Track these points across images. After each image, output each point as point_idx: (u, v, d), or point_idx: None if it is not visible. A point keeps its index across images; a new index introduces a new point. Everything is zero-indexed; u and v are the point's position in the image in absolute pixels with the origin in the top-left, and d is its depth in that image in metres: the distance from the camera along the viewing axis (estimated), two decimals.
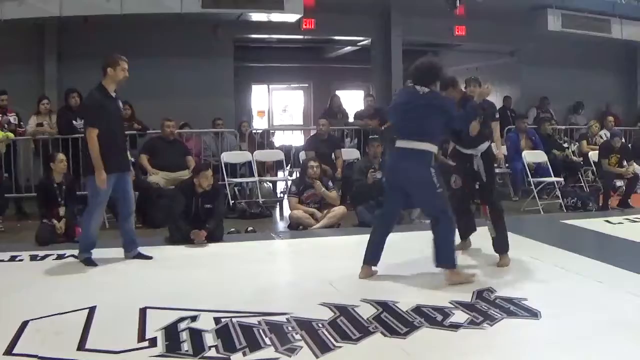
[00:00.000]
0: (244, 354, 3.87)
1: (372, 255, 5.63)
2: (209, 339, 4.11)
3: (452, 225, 5.49)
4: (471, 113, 5.69)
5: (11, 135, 9.17)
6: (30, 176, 9.44)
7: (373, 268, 5.64)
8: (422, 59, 5.72)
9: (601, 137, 11.41)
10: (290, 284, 5.90)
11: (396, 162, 5.56)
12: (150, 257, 6.42)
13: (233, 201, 9.70)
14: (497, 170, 10.31)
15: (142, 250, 6.47)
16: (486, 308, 4.71)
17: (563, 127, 12.90)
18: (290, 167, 11.33)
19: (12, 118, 9.44)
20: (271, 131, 13.67)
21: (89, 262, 6.15)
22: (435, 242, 5.43)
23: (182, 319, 4.45)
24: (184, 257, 6.60)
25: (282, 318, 4.49)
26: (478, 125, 5.92)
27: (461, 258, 6.01)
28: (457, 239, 6.34)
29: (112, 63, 6.06)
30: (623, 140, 10.49)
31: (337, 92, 18.50)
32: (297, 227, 8.22)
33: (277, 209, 10.16)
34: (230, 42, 12.65)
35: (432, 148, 5.37)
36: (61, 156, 7.64)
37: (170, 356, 3.88)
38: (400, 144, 5.43)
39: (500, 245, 6.12)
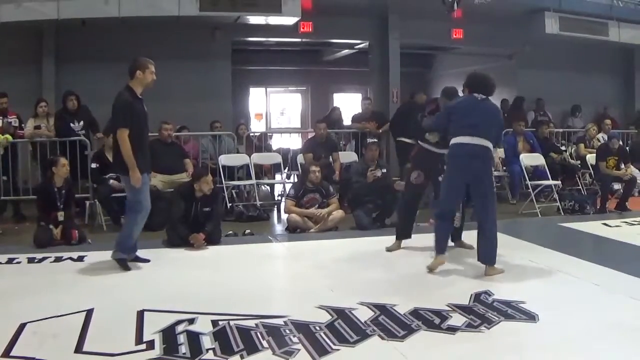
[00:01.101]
0: (242, 357, 3.87)
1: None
2: (207, 342, 4.11)
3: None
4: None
5: (9, 137, 9.16)
6: (28, 179, 9.43)
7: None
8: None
9: (598, 140, 11.42)
10: (287, 287, 5.91)
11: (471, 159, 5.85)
12: (147, 260, 6.42)
13: (231, 204, 9.69)
14: (495, 174, 10.41)
15: (140, 253, 6.46)
16: (484, 311, 4.71)
17: (561, 130, 12.91)
18: (288, 170, 11.33)
19: (13, 120, 9.44)
20: (269, 134, 13.69)
21: (123, 264, 6.15)
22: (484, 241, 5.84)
23: (179, 322, 4.45)
24: (181, 259, 6.59)
25: (280, 321, 4.49)
26: None
27: (459, 258, 6.04)
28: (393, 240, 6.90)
29: (142, 66, 6.12)
30: (620, 142, 10.49)
31: (335, 95, 18.77)
32: (294, 230, 8.22)
33: (275, 212, 10.15)
34: (228, 45, 12.65)
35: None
36: (63, 160, 7.61)
37: (167, 359, 3.88)
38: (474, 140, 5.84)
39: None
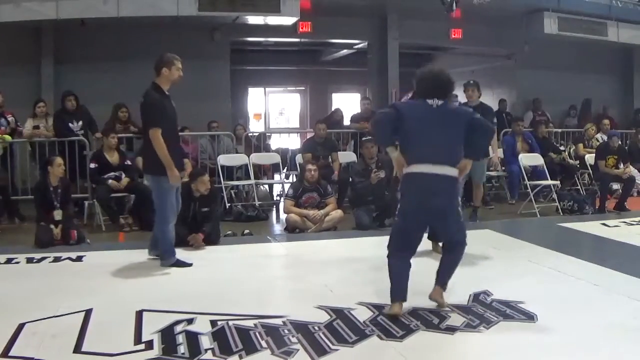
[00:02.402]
0: (240, 357, 3.87)
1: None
2: (205, 342, 4.11)
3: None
4: None
5: (8, 137, 9.16)
6: (27, 179, 9.43)
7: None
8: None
9: (597, 140, 11.43)
10: (286, 287, 5.90)
11: None
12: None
13: (229, 204, 9.69)
14: (493, 174, 10.43)
15: (137, 253, 6.45)
16: (482, 311, 4.71)
17: (559, 130, 12.92)
18: (287, 170, 11.33)
19: (11, 119, 9.45)
20: (267, 134, 13.69)
21: (180, 264, 6.17)
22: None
23: (178, 322, 4.45)
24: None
25: (279, 321, 4.49)
26: None
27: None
28: None
29: (168, 63, 6.08)
30: (620, 142, 10.50)
31: (334, 95, 18.78)
32: (293, 230, 8.22)
33: (274, 212, 10.14)
34: (226, 45, 12.66)
35: None
36: (59, 160, 7.63)
37: (166, 359, 3.87)
38: None
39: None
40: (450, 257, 4.87)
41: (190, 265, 6.20)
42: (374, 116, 5.19)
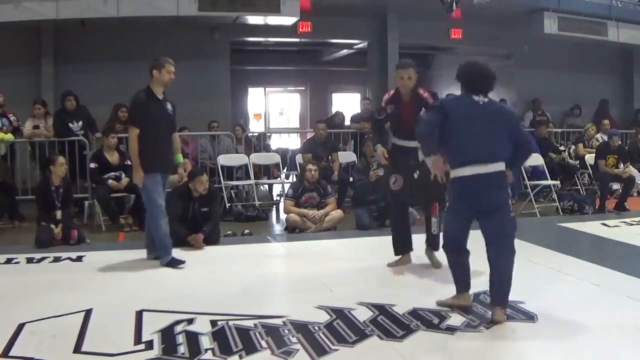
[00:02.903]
0: (240, 357, 3.87)
1: None
2: (205, 342, 4.11)
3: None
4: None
5: (10, 136, 9.16)
6: (27, 179, 9.44)
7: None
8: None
9: (597, 140, 11.43)
10: (286, 287, 5.89)
11: None
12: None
13: (229, 204, 9.69)
14: None
15: (136, 253, 6.45)
16: (483, 311, 4.70)
17: (560, 130, 12.92)
18: (287, 170, 11.33)
19: (13, 118, 9.46)
20: (267, 134, 13.69)
21: (175, 262, 6.20)
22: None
23: (178, 322, 4.45)
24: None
25: (279, 321, 4.49)
26: None
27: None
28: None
29: (158, 66, 6.15)
30: (619, 142, 10.49)
31: (334, 95, 18.76)
32: (293, 230, 8.22)
33: (274, 212, 10.15)
34: (226, 45, 12.64)
35: None
36: (61, 159, 7.63)
37: (166, 359, 3.87)
38: None
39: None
40: (500, 262, 4.51)
41: (183, 262, 6.21)
42: (419, 125, 4.74)
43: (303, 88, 19.00)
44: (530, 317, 4.59)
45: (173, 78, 6.23)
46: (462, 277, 4.72)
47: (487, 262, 4.54)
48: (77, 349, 4.00)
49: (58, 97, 10.00)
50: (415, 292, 5.27)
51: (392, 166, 6.02)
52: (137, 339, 4.17)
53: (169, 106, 6.34)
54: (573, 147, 11.83)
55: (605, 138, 10.84)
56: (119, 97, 9.93)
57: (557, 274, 5.87)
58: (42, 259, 6.54)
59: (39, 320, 4.52)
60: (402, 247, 6.19)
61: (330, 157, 9.97)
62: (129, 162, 8.66)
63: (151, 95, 6.16)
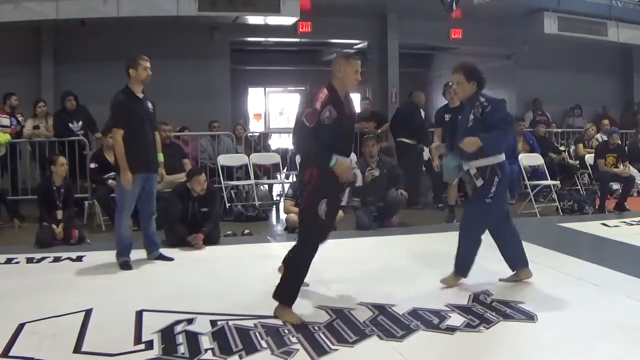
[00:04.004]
0: (240, 357, 3.87)
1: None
2: (205, 342, 4.11)
3: None
4: None
5: (8, 137, 9.16)
6: (27, 179, 9.44)
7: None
8: None
9: (597, 140, 11.43)
10: None
11: None
12: (171, 259, 6.46)
13: (229, 204, 9.69)
14: None
15: (137, 254, 6.45)
16: (482, 311, 4.71)
17: (560, 130, 12.92)
18: (287, 170, 11.33)
19: (21, 119, 9.47)
20: (268, 134, 13.68)
21: (125, 266, 6.16)
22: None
23: (178, 322, 4.46)
24: (180, 259, 6.58)
25: (279, 321, 4.49)
26: None
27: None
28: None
29: (133, 64, 6.07)
30: (619, 141, 10.49)
31: None
32: (293, 230, 8.20)
33: (274, 212, 10.14)
34: (226, 45, 12.66)
35: None
36: (62, 159, 7.64)
37: (166, 359, 3.88)
38: None
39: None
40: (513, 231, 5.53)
41: (130, 268, 6.15)
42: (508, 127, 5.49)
43: (303, 88, 18.99)
44: (530, 317, 4.59)
45: (150, 74, 6.12)
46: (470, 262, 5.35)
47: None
48: (77, 349, 4.00)
49: (58, 97, 10.01)
50: (415, 292, 5.27)
51: (326, 188, 5.09)
52: (137, 339, 4.17)
53: (149, 105, 6.29)
54: (573, 147, 11.82)
55: (606, 138, 10.83)
56: None
57: (557, 274, 5.87)
58: (42, 259, 6.54)
59: (39, 320, 4.52)
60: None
61: None
62: None
63: (131, 95, 6.10)
